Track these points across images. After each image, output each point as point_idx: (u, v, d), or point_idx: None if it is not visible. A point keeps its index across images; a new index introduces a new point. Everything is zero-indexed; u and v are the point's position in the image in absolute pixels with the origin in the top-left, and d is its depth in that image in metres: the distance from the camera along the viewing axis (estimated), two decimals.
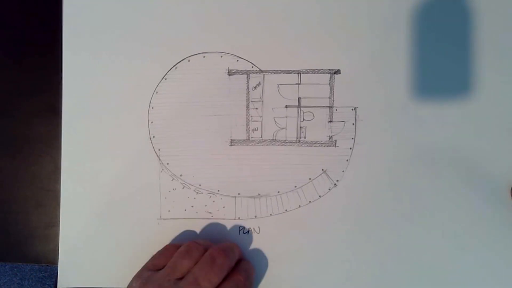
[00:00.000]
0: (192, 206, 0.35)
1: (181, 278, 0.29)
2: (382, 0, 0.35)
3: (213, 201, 0.35)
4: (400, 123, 0.35)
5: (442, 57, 0.35)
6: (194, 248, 0.31)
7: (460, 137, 0.34)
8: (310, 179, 0.35)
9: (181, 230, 0.35)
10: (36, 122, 0.37)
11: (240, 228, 0.35)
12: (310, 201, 0.35)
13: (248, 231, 0.35)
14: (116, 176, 0.36)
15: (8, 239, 0.37)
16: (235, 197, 0.35)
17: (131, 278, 0.30)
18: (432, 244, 0.34)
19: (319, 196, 0.35)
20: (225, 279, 0.30)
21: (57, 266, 0.35)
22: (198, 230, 0.35)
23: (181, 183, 0.35)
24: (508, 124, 0.34)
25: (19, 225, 0.37)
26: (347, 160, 0.35)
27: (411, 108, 0.34)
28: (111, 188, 0.35)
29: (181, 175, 0.35)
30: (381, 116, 0.35)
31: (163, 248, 0.33)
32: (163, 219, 0.35)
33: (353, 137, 0.35)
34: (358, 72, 0.35)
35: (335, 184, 0.35)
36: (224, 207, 0.35)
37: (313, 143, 0.35)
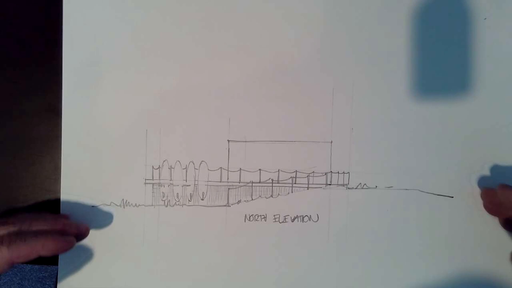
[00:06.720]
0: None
1: None
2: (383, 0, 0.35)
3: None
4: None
5: (441, 57, 0.35)
6: None
7: (460, 137, 0.34)
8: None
9: (183, 227, 0.36)
10: (36, 122, 0.37)
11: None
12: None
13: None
14: (116, 175, 0.36)
15: None
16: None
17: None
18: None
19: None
20: None
21: (57, 266, 0.35)
22: (196, 223, 0.36)
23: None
24: (508, 123, 0.34)
25: None
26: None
27: (411, 108, 0.35)
28: (111, 188, 0.36)
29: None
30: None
31: None
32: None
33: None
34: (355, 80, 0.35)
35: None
36: None
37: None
